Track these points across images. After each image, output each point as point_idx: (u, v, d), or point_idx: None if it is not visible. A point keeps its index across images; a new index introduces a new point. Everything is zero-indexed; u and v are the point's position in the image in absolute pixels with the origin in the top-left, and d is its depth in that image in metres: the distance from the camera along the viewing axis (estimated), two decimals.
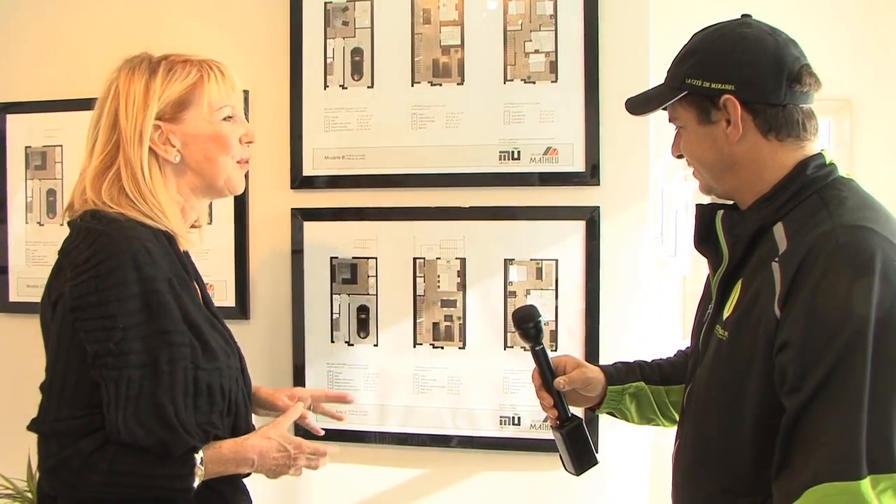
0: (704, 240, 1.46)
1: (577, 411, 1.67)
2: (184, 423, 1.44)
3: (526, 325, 1.61)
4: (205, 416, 1.49)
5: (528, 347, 1.63)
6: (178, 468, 1.44)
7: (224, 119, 1.60)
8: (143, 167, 1.51)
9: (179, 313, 1.47)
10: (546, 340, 2.10)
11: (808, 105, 1.33)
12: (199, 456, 1.46)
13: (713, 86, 1.31)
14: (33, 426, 1.44)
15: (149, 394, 1.42)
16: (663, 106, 1.42)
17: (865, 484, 1.09)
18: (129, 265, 1.41)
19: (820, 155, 1.33)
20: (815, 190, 1.29)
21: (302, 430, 1.94)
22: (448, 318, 2.18)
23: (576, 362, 1.66)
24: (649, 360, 1.72)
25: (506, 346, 2.16)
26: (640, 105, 1.48)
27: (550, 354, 1.63)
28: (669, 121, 1.44)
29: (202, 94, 1.58)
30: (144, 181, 1.51)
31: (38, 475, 1.48)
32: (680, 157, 1.45)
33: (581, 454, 1.59)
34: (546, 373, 1.61)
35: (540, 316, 1.61)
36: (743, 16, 1.38)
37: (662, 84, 1.42)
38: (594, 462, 1.60)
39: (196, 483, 1.45)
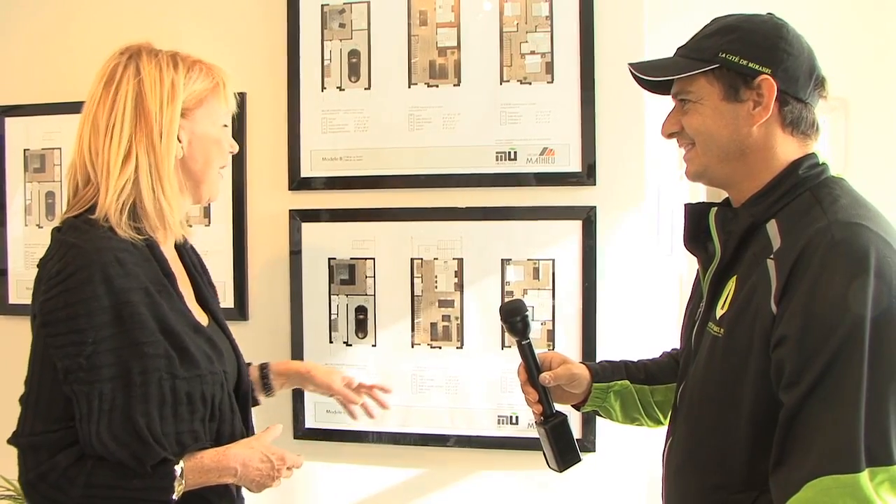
0: (694, 238, 1.46)
1: (564, 409, 1.67)
2: (156, 435, 1.43)
3: (513, 318, 1.61)
4: (186, 425, 1.49)
5: (514, 342, 1.63)
6: (158, 481, 1.43)
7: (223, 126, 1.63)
8: (171, 161, 1.52)
9: (155, 323, 1.45)
10: (543, 340, 2.12)
11: (815, 108, 1.37)
12: (178, 468, 1.45)
13: (751, 65, 1.31)
14: (13, 439, 1.45)
15: (121, 407, 1.41)
16: (683, 75, 1.38)
17: (864, 476, 1.10)
18: (97, 278, 1.39)
19: (813, 154, 1.34)
20: (807, 188, 1.31)
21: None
22: (446, 318, 2.19)
23: (561, 358, 1.67)
24: (635, 360, 1.73)
25: (503, 346, 2.17)
26: (655, 69, 1.44)
27: (540, 351, 1.64)
28: (674, 95, 1.42)
29: (218, 99, 1.60)
30: (168, 174, 1.51)
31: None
32: (671, 136, 1.44)
33: (564, 451, 1.59)
34: (532, 368, 1.62)
35: (527, 310, 1.61)
36: (768, 14, 1.39)
37: (680, 55, 1.40)
38: (577, 459, 1.60)
39: (176, 495, 1.45)
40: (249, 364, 1.83)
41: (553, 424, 1.59)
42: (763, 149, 1.34)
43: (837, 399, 1.13)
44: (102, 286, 1.40)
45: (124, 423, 1.41)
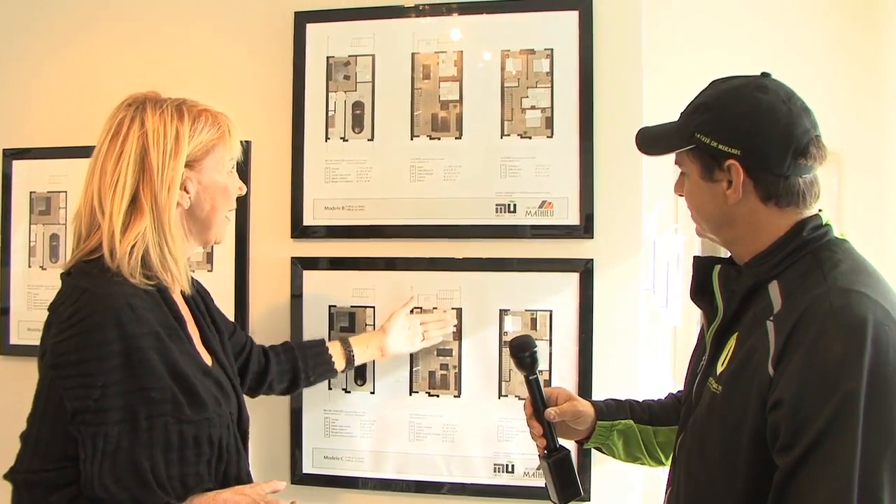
0: (701, 292, 1.49)
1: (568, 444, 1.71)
2: (160, 479, 1.45)
3: (522, 354, 1.66)
4: (192, 468, 1.51)
5: (522, 376, 1.68)
6: None
7: (230, 172, 1.66)
8: (171, 213, 1.53)
9: (164, 367, 1.48)
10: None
11: (811, 175, 1.34)
12: None
13: (720, 147, 1.32)
14: (9, 475, 1.47)
15: (126, 450, 1.43)
16: (667, 154, 1.45)
17: None
18: (110, 323, 1.42)
19: (817, 216, 1.35)
20: (810, 250, 1.32)
21: None
22: (444, 366, 2.21)
23: (567, 395, 1.71)
24: (640, 400, 1.76)
25: (500, 395, 2.18)
26: (650, 143, 1.49)
27: (548, 387, 1.70)
28: (675, 163, 1.46)
29: (224, 148, 1.62)
30: (170, 226, 1.53)
31: None
32: (682, 195, 1.48)
33: (565, 485, 1.64)
34: (538, 402, 1.66)
35: (536, 346, 1.67)
36: (763, 74, 1.38)
37: (674, 125, 1.43)
38: (578, 493, 1.65)
39: None
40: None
41: (556, 459, 1.64)
42: (749, 222, 1.36)
43: (831, 465, 1.14)
44: (114, 331, 1.42)
45: (128, 466, 1.43)
